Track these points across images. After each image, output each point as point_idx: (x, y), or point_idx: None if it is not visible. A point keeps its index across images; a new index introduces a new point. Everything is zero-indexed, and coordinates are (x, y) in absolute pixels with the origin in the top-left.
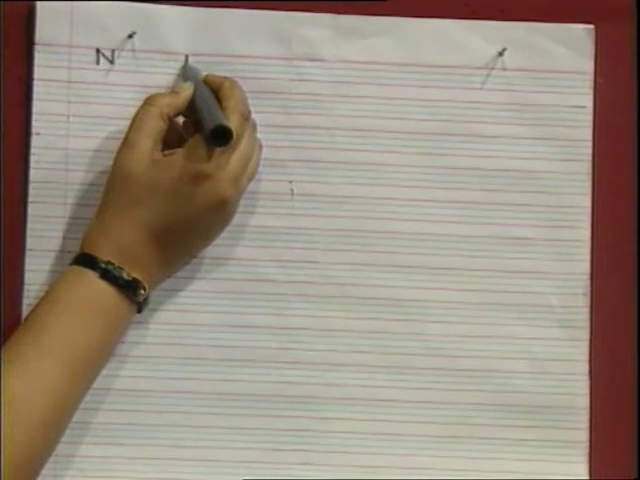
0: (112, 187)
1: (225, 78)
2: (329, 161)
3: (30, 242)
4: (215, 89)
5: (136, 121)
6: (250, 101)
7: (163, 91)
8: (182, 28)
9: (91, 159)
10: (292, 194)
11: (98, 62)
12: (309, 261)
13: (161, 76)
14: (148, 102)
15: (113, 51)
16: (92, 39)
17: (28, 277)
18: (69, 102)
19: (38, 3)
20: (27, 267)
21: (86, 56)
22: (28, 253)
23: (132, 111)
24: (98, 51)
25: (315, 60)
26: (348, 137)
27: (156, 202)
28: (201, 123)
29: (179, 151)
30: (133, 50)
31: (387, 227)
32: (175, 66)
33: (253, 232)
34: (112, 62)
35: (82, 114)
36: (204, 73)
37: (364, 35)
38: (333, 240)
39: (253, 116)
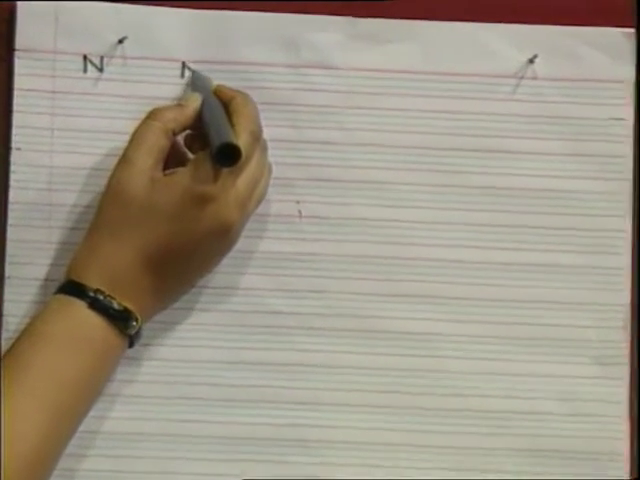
0: (105, 207)
1: (237, 92)
2: (340, 180)
3: (9, 269)
4: (226, 102)
5: (136, 137)
6: None
7: (163, 103)
8: (179, 32)
9: (78, 178)
10: (300, 216)
11: (85, 70)
12: (317, 290)
13: (155, 85)
14: (151, 117)
15: (102, 58)
16: (79, 44)
17: (7, 308)
18: (53, 114)
19: (19, 4)
20: (6, 297)
21: (72, 63)
22: (7, 281)
23: (123, 124)
24: (85, 58)
25: (326, 68)
26: (362, 153)
27: (153, 225)
28: (207, 139)
29: (181, 170)
30: (124, 57)
31: (403, 253)
32: (171, 74)
33: (257, 259)
34: (101, 70)
35: (68, 127)
36: (215, 83)
37: (380, 40)
38: (343, 267)
39: None
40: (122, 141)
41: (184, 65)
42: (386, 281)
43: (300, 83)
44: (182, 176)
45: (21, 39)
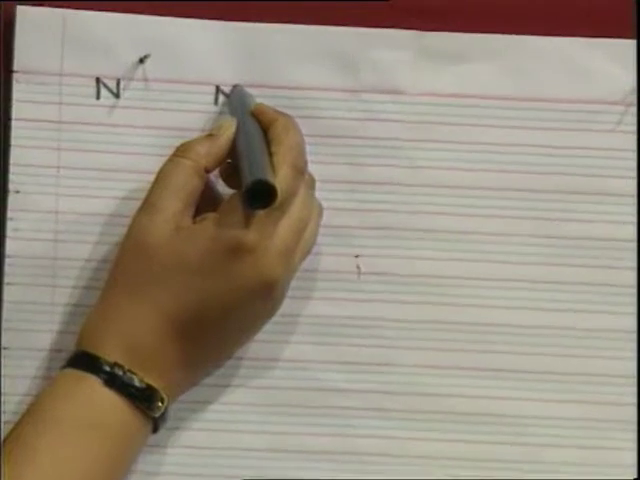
0: (123, 262)
1: (280, 114)
2: (407, 229)
3: (7, 338)
4: (265, 126)
5: (162, 177)
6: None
7: (193, 135)
8: (212, 49)
9: (89, 226)
10: (358, 273)
11: (98, 96)
12: (381, 363)
13: (184, 114)
14: (179, 153)
15: (118, 81)
16: (91, 65)
17: (5, 385)
18: (59, 149)
19: (18, 16)
20: (3, 372)
21: (82, 88)
22: (4, 353)
23: (145, 161)
24: (98, 81)
25: (390, 92)
26: (433, 196)
27: (182, 283)
28: (240, 175)
29: (212, 215)
30: (146, 79)
31: (483, 317)
32: (202, 100)
33: (306, 324)
34: (117, 95)
35: (77, 165)
36: (255, 100)
37: (456, 59)
38: (412, 335)
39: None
40: (144, 182)
41: (218, 90)
42: (464, 352)
43: (359, 111)
44: (213, 222)
45: (20, 59)
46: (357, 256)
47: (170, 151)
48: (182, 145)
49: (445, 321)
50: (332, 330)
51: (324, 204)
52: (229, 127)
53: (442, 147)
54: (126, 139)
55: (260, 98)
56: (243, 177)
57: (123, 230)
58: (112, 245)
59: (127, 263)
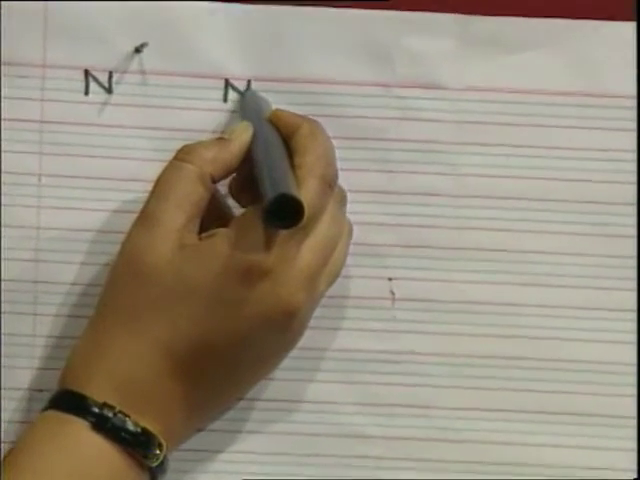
0: (116, 285)
1: (304, 119)
2: (450, 247)
3: None
4: (287, 134)
5: (161, 185)
6: None
7: (198, 138)
8: (221, 37)
9: (76, 243)
10: (392, 299)
11: (87, 91)
12: (417, 406)
13: (187, 113)
14: (182, 157)
15: (111, 73)
16: (78, 54)
17: None
18: (41, 154)
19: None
20: None
21: (68, 81)
22: None
23: (141, 167)
24: (87, 73)
25: (430, 88)
26: (480, 209)
27: (183, 312)
28: (258, 189)
29: (223, 232)
30: (142, 72)
31: (541, 352)
32: (209, 96)
33: (331, 360)
34: (109, 90)
35: (61, 173)
36: (273, 107)
37: (508, 48)
38: (454, 372)
39: None
40: (140, 191)
41: (227, 84)
42: (515, 392)
43: (394, 109)
44: (224, 240)
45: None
46: (390, 279)
47: (171, 156)
48: (185, 147)
49: (493, 356)
50: (360, 366)
51: (351, 218)
52: (244, 131)
53: (491, 151)
54: (119, 142)
55: (277, 94)
56: (263, 190)
57: (116, 248)
58: (102, 266)
59: (120, 287)
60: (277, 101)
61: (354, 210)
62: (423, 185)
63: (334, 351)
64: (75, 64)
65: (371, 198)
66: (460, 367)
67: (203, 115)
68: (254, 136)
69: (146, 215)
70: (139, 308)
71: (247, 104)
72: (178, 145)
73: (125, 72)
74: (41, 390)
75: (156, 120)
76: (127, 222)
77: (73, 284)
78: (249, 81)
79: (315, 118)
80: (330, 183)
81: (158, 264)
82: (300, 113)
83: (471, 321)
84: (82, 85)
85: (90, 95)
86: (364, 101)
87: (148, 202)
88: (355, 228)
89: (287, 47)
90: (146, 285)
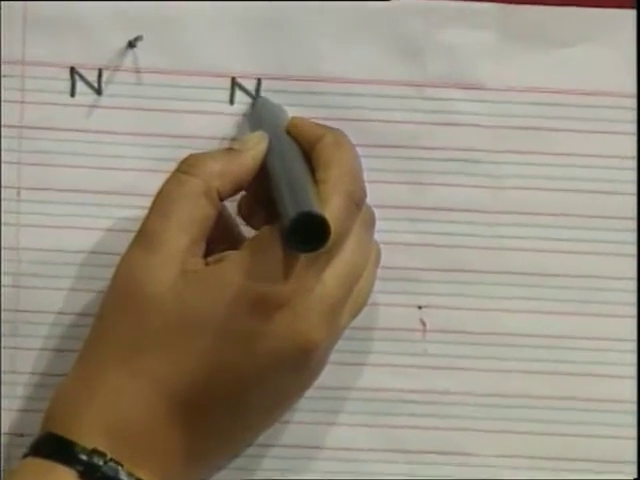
0: (109, 316)
1: (326, 129)
2: (487, 271)
3: None
4: (308, 145)
5: (162, 201)
6: None
7: (202, 147)
8: (226, 31)
9: (62, 268)
10: (423, 330)
11: (73, 92)
12: (451, 452)
13: (189, 117)
14: (185, 168)
15: (100, 71)
16: (62, 50)
17: None
18: (19, 164)
19: None
20: None
21: (52, 81)
22: None
23: (137, 179)
24: (73, 72)
25: (466, 87)
26: (523, 227)
27: (187, 346)
28: (275, 207)
29: (232, 256)
30: (137, 70)
31: (589, 392)
32: (214, 98)
33: (354, 400)
34: (98, 91)
35: (44, 186)
36: (289, 115)
37: (555, 42)
38: (496, 414)
39: None
40: (136, 207)
41: (234, 83)
42: (568, 437)
43: (423, 112)
44: (235, 266)
45: None
46: (420, 307)
47: (171, 166)
48: (189, 158)
49: (540, 396)
50: (387, 408)
51: (376, 237)
52: (258, 142)
53: (535, 160)
54: (111, 150)
55: (291, 95)
56: (282, 209)
57: (108, 273)
58: (94, 293)
59: (114, 318)
60: (290, 102)
61: (379, 228)
62: (458, 200)
63: (357, 390)
64: (59, 61)
65: (396, 214)
66: (501, 409)
67: (206, 119)
68: (270, 148)
69: (144, 236)
70: (135, 342)
71: (259, 111)
72: (178, 154)
73: (117, 70)
74: (22, 435)
75: (152, 125)
76: (121, 243)
77: (59, 313)
78: (259, 80)
79: (332, 122)
80: (357, 201)
81: (158, 292)
82: (315, 116)
83: (513, 356)
84: (67, 85)
85: (77, 97)
86: (390, 103)
87: (147, 220)
88: (382, 252)
89: (300, 42)
90: (144, 316)
